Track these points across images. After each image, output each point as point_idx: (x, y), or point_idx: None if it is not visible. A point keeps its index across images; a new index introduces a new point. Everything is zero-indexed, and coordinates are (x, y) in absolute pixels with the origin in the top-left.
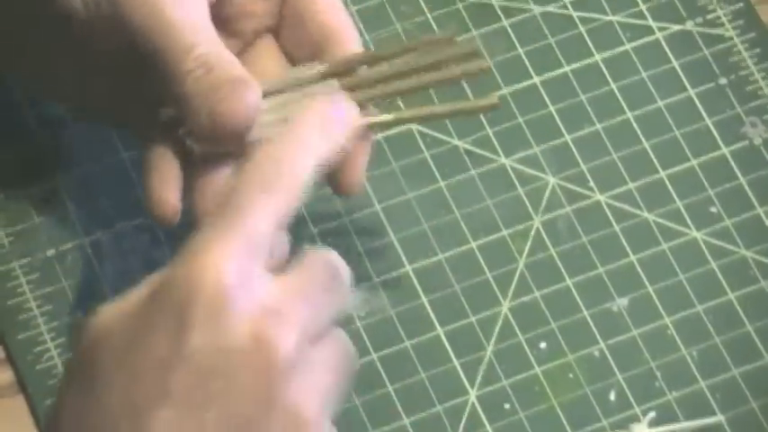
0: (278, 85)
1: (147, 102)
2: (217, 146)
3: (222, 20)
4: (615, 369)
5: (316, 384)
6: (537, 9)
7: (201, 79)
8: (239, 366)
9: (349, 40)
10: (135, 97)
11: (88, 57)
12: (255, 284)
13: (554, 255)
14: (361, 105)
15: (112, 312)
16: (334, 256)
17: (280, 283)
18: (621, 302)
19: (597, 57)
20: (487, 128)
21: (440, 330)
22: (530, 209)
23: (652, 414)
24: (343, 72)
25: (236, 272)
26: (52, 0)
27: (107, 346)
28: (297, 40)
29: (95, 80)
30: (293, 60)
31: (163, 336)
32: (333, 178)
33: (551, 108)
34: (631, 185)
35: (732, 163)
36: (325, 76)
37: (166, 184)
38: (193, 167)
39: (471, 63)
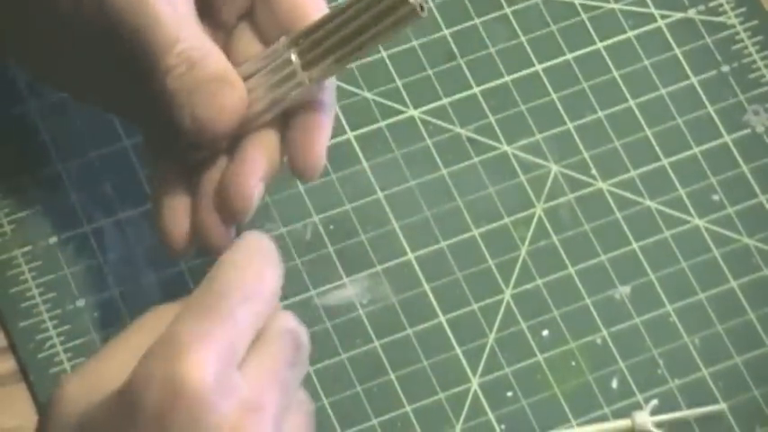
0: (256, 65)
1: (140, 98)
2: (205, 146)
3: (206, 10)
4: (617, 357)
5: None
6: None
7: (183, 77)
8: None
9: (316, 14)
10: (128, 91)
11: (77, 42)
12: (234, 384)
13: (556, 242)
14: (321, 61)
15: (81, 396)
16: (294, 325)
17: (252, 372)
18: (624, 290)
19: (599, 44)
20: (490, 115)
21: (442, 318)
22: (532, 196)
23: (654, 402)
24: (303, 37)
25: (217, 376)
26: None
27: None
28: (270, 22)
29: (87, 68)
30: (268, 42)
31: None
32: (291, 160)
33: (553, 96)
34: (633, 173)
35: (734, 151)
36: (288, 46)
37: (175, 216)
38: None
39: None
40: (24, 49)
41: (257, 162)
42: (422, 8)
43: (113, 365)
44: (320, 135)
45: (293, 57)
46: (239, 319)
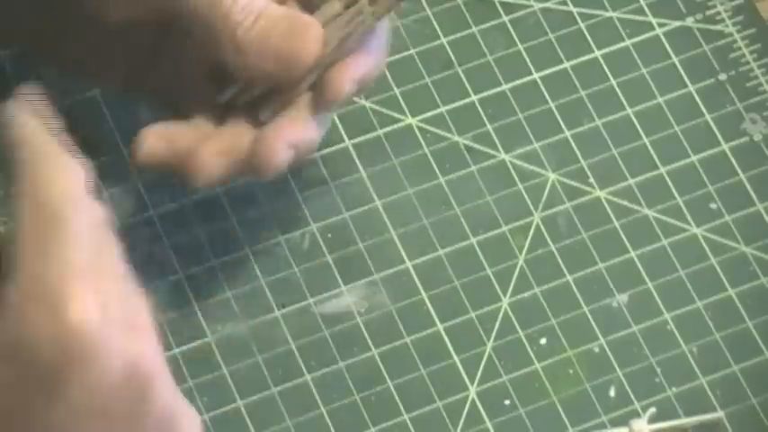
0: (330, 10)
1: (165, 69)
2: (286, 90)
3: None
4: (615, 365)
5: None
6: (537, 5)
7: (254, 26)
8: (116, 399)
9: None
10: (151, 65)
11: (100, 27)
12: (110, 312)
13: (554, 251)
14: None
15: None
16: (100, 212)
17: (110, 288)
18: (621, 298)
19: (597, 53)
20: (487, 124)
21: (440, 326)
22: (530, 205)
23: (652, 410)
24: None
25: (100, 304)
26: None
27: None
28: None
29: (106, 50)
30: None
31: (40, 395)
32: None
33: (551, 104)
34: (631, 181)
35: (732, 159)
36: None
37: (161, 133)
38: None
39: None
40: (50, 46)
41: (289, 127)
42: None
43: None
44: (353, 67)
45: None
46: (82, 231)
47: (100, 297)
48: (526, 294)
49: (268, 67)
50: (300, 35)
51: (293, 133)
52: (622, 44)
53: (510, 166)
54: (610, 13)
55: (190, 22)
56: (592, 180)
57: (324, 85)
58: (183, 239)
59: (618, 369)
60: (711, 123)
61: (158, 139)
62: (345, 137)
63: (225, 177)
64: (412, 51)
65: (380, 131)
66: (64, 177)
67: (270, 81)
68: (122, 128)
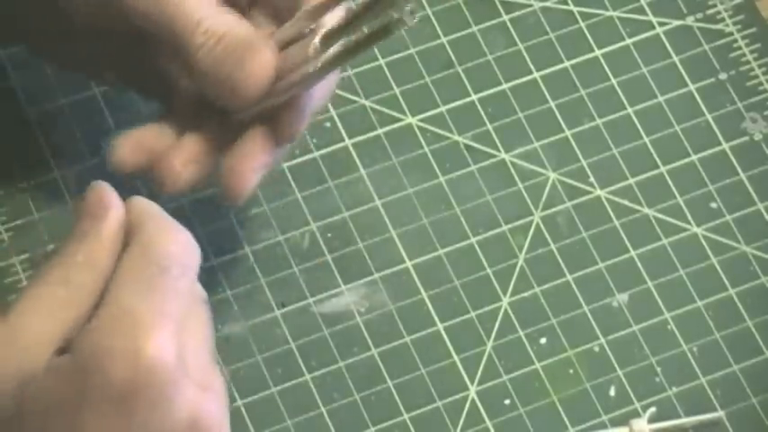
0: (289, 33)
1: (148, 69)
2: (246, 109)
3: None
4: (615, 365)
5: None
6: (537, 4)
7: (213, 50)
8: None
9: None
10: (135, 65)
11: (98, 40)
12: (187, 363)
13: (554, 250)
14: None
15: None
16: (200, 288)
17: (192, 346)
18: (621, 298)
19: (597, 52)
20: (487, 123)
21: (440, 326)
22: (530, 204)
23: (652, 410)
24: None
25: (177, 354)
26: None
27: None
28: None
29: (93, 50)
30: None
31: (100, 415)
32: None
33: (551, 103)
34: (631, 181)
35: (732, 158)
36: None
37: (135, 138)
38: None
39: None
40: (45, 45)
41: (255, 153)
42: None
43: (35, 321)
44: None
45: (316, 40)
46: (181, 291)
47: (179, 348)
48: (526, 294)
49: (219, 94)
50: (250, 66)
51: (260, 158)
52: (623, 43)
53: (510, 166)
54: (610, 13)
55: (155, 36)
56: (592, 179)
57: (277, 123)
58: None
59: (618, 369)
60: (712, 123)
61: (131, 146)
62: (345, 136)
63: (194, 184)
64: (412, 51)
65: (380, 131)
66: (178, 241)
67: (228, 103)
68: (122, 128)
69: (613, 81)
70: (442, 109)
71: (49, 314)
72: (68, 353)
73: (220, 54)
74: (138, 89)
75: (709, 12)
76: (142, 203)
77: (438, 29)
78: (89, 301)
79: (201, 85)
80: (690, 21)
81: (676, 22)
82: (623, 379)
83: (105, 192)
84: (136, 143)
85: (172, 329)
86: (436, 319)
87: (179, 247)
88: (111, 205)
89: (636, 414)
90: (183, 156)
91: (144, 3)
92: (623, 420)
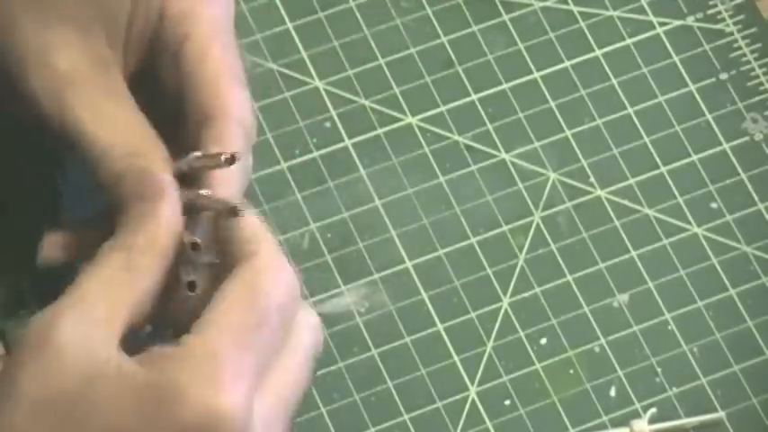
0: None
1: None
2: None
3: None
4: (616, 365)
5: None
6: (537, 4)
7: (115, 190)
8: None
9: (225, 126)
10: None
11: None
12: (260, 419)
13: (554, 250)
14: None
15: (76, 357)
16: (317, 338)
17: (268, 401)
18: (622, 298)
19: (597, 52)
20: (488, 123)
21: (440, 326)
22: (530, 204)
23: (653, 410)
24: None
25: (249, 407)
26: None
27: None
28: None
29: None
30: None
31: None
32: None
33: (552, 103)
34: (632, 181)
35: (733, 158)
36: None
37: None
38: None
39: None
40: None
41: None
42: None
43: (99, 307)
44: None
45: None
46: (274, 344)
47: (253, 405)
48: (526, 294)
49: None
50: (152, 224)
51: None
52: (623, 43)
53: (510, 166)
54: (610, 12)
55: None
56: (592, 179)
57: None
58: None
59: (618, 369)
60: (712, 123)
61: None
62: (345, 136)
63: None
64: (412, 50)
65: (380, 131)
66: (284, 283)
67: None
68: None
69: (614, 81)
70: (442, 109)
71: (113, 299)
72: (140, 362)
73: (122, 198)
74: None
75: (710, 12)
76: (256, 224)
77: (438, 28)
78: (151, 285)
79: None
80: (690, 21)
81: (677, 22)
82: (624, 379)
83: (156, 174)
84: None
85: (251, 385)
86: (436, 319)
87: (283, 290)
88: (165, 186)
89: (636, 415)
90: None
91: (51, 115)
92: (624, 421)
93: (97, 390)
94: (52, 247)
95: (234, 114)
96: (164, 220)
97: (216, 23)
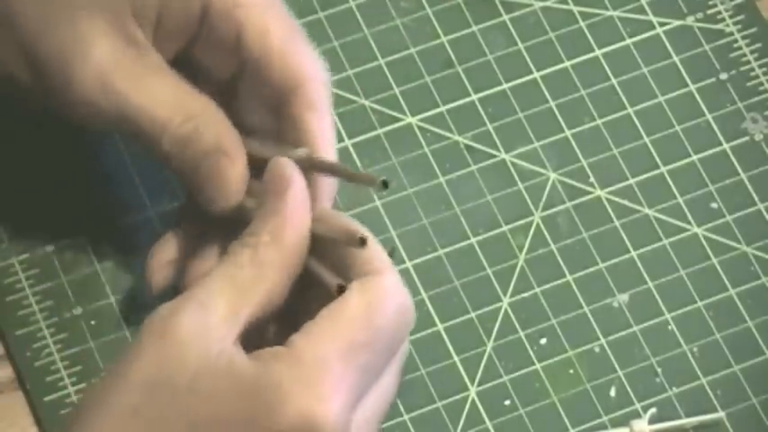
0: (266, 151)
1: None
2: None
3: (196, 72)
4: (616, 365)
5: None
6: (537, 4)
7: (181, 156)
8: None
9: (312, 91)
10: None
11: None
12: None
13: (554, 250)
14: None
15: (194, 351)
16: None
17: (362, 418)
18: (622, 298)
19: (597, 52)
20: (488, 123)
21: (440, 326)
22: (530, 204)
23: (653, 410)
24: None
25: (345, 425)
26: None
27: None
28: (261, 86)
29: None
30: (265, 102)
31: None
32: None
33: (551, 103)
34: (632, 181)
35: (733, 158)
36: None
37: (160, 262)
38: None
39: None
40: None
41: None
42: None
43: (223, 302)
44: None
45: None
46: (378, 368)
47: (349, 421)
48: (526, 294)
49: (197, 197)
50: (219, 179)
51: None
52: (623, 43)
53: (510, 166)
54: (610, 12)
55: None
56: (592, 179)
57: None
58: None
59: (618, 369)
60: (712, 123)
61: (159, 268)
62: (345, 136)
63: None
64: (412, 50)
65: (380, 131)
66: (400, 312)
67: (204, 206)
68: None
69: (613, 81)
70: (442, 109)
71: (239, 294)
72: (252, 359)
73: (188, 161)
74: None
75: (710, 11)
76: (378, 246)
77: (438, 28)
78: (278, 279)
79: (170, 169)
80: (690, 21)
81: (677, 22)
82: (624, 379)
83: (286, 167)
84: (160, 264)
85: (350, 402)
86: (436, 319)
87: (399, 319)
88: (292, 181)
89: (636, 415)
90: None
91: (104, 107)
92: (624, 421)
93: (206, 380)
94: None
95: (315, 76)
96: (289, 214)
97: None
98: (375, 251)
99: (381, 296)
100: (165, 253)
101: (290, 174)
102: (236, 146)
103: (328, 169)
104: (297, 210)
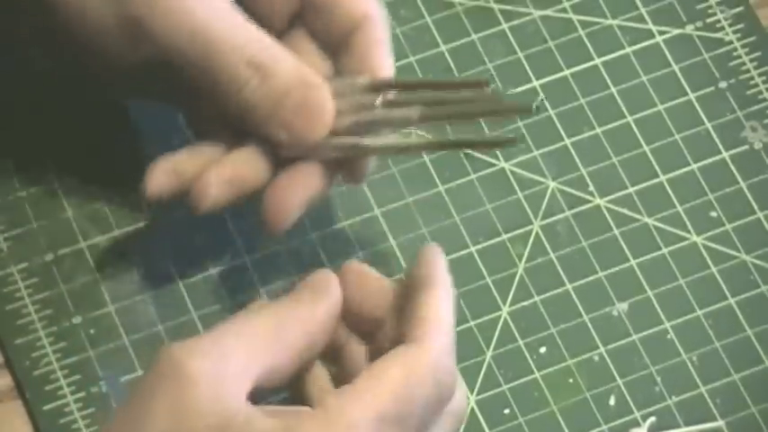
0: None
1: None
2: (302, 153)
3: (255, 16)
4: (615, 374)
5: None
6: (537, 12)
7: (261, 88)
8: None
9: (375, 27)
10: (170, 100)
11: (137, 74)
12: None
13: (554, 259)
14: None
15: (210, 395)
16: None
17: None
18: (621, 307)
19: (597, 60)
20: (487, 131)
21: None
22: (529, 213)
23: (652, 419)
24: (380, 87)
25: None
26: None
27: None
28: (323, 26)
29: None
30: (324, 45)
31: None
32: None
33: (551, 112)
34: (631, 190)
35: (732, 167)
36: (366, 89)
37: (164, 166)
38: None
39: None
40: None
41: (300, 187)
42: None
43: (236, 357)
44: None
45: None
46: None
47: None
48: (526, 303)
49: (275, 134)
50: (313, 113)
51: (306, 190)
52: (622, 52)
53: (510, 175)
54: (610, 21)
55: (192, 76)
56: (591, 188)
57: (346, 168)
58: (182, 247)
59: (618, 378)
60: (711, 131)
61: (164, 173)
62: None
63: (230, 203)
64: (411, 59)
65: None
66: (439, 378)
67: (281, 144)
68: (122, 134)
69: (613, 89)
70: None
71: (253, 354)
72: (270, 416)
73: (271, 92)
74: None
75: (709, 20)
76: (443, 307)
77: (437, 37)
78: (290, 356)
79: (253, 125)
80: (689, 29)
81: (676, 31)
82: (623, 388)
83: (331, 277)
84: (167, 170)
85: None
86: None
87: (436, 391)
88: (331, 289)
89: (636, 423)
90: (221, 175)
91: (180, 38)
92: (623, 430)
93: None
94: (161, 175)
95: (378, 13)
96: (320, 315)
97: None
98: (435, 312)
99: (422, 372)
100: (171, 163)
101: (332, 284)
102: (317, 75)
103: (428, 85)
104: (327, 317)
